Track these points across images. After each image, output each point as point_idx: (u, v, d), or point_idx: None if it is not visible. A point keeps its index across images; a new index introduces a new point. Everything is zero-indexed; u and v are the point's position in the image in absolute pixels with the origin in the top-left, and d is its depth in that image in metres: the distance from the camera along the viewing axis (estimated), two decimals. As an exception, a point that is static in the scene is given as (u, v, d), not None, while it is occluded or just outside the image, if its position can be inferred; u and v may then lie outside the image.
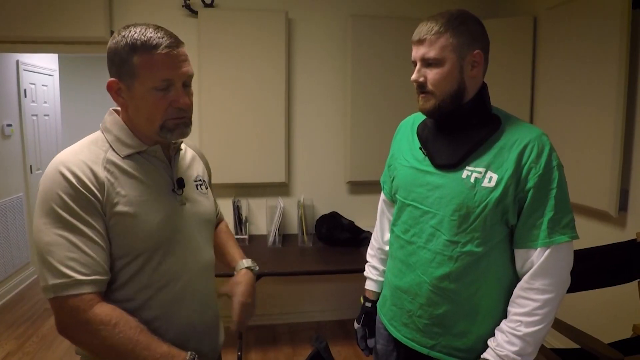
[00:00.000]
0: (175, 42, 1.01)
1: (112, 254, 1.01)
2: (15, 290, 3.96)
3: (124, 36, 0.99)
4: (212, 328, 1.21)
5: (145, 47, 0.97)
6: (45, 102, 4.61)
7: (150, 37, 0.98)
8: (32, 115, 4.33)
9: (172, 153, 1.13)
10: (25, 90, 4.16)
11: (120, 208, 0.99)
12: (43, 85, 4.56)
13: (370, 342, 1.46)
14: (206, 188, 1.24)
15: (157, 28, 1.01)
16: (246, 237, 3.11)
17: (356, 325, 1.52)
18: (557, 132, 2.61)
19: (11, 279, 3.91)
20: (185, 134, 1.07)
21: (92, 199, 0.97)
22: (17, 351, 2.98)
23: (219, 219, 1.45)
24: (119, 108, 1.10)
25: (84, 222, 0.96)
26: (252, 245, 3.07)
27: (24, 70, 4.14)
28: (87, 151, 1.02)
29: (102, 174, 0.99)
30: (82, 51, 3.04)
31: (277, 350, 3.04)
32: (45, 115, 4.61)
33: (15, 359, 2.88)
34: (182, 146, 1.21)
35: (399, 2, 3.27)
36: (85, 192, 0.96)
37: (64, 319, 0.95)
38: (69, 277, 0.93)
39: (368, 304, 1.51)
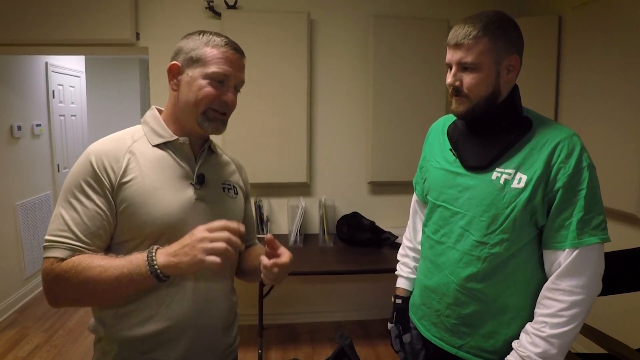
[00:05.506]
0: (241, 51, 1.16)
1: (120, 236, 1.07)
2: (43, 285, 4.07)
3: (201, 35, 1.14)
4: (223, 328, 1.20)
5: (217, 44, 1.12)
6: (72, 103, 4.73)
7: (223, 39, 1.14)
8: (60, 115, 4.45)
9: (199, 150, 1.18)
10: (53, 91, 4.28)
11: (131, 191, 1.06)
12: (70, 86, 4.68)
13: (406, 338, 1.45)
14: (235, 194, 1.25)
15: (228, 38, 1.16)
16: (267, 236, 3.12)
17: (389, 325, 1.51)
18: (582, 133, 2.51)
19: (40, 274, 4.00)
20: (219, 130, 1.15)
21: (104, 181, 1.05)
22: (44, 344, 3.07)
23: (252, 243, 1.41)
24: (161, 108, 1.21)
25: (88, 198, 1.04)
26: (273, 244, 3.09)
27: (53, 71, 4.26)
28: (116, 140, 1.11)
29: (124, 159, 1.07)
30: (108, 53, 3.12)
31: (297, 349, 3.06)
32: (72, 115, 4.73)
33: (43, 352, 2.97)
34: (218, 150, 1.27)
35: (421, 3, 3.26)
36: (99, 173, 1.04)
37: (45, 284, 1.03)
38: (49, 241, 1.04)
39: (399, 301, 1.51)
